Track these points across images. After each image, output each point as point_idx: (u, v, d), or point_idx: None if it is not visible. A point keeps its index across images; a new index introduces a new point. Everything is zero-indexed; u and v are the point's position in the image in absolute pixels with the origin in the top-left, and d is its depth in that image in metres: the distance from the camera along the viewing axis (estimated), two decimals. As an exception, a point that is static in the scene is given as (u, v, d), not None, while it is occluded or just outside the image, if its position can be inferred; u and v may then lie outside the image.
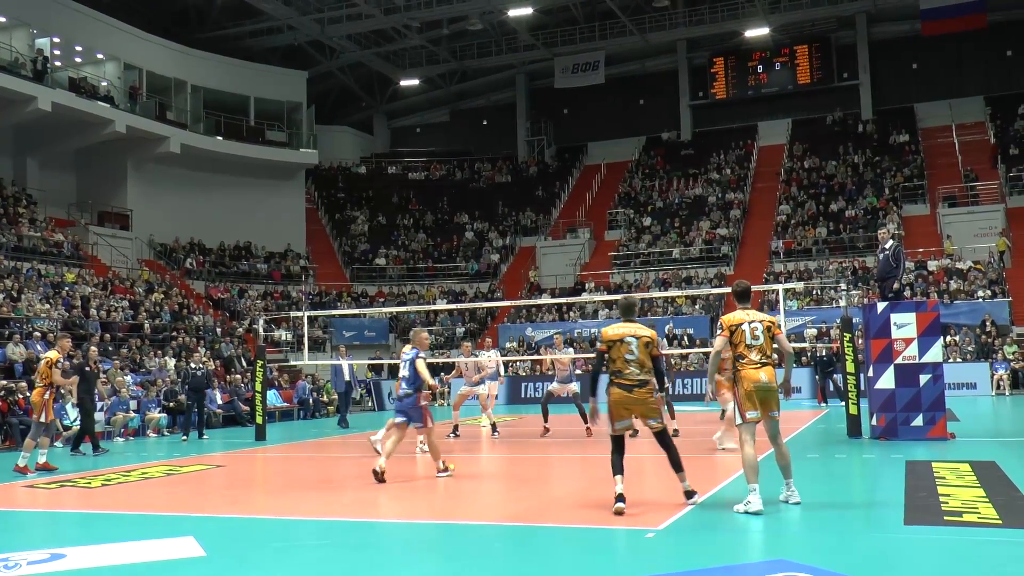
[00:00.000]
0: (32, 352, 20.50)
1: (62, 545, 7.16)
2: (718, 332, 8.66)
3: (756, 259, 36.31)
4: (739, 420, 8.31)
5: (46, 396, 12.99)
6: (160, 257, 34.96)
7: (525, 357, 30.35)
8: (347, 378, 22.43)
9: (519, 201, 44.32)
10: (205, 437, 19.01)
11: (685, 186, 42.07)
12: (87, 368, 15.97)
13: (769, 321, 8.47)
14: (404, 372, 10.98)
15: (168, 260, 35.04)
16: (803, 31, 43.72)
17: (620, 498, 7.95)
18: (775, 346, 8.48)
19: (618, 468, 8.08)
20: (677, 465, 8.29)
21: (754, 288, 31.17)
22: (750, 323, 8.36)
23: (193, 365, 20.41)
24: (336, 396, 24.92)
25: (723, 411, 12.93)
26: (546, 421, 16.62)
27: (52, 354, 13.51)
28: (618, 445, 8.17)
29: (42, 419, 12.95)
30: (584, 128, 47.42)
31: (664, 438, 8.29)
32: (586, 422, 16.25)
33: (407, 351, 11.17)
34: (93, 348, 17.67)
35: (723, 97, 45.19)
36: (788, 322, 28.71)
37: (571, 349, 19.66)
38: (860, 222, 36.06)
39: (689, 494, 8.26)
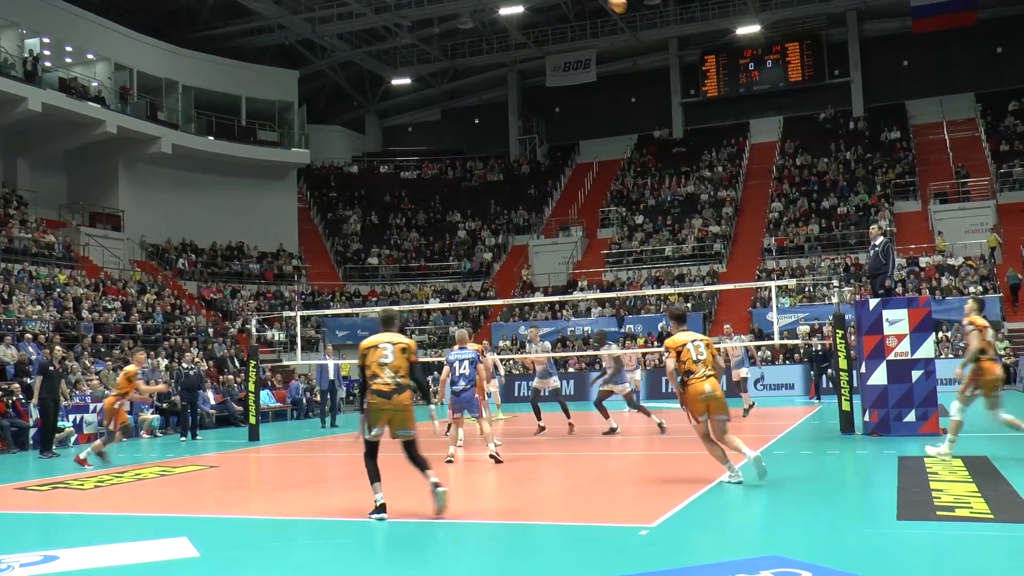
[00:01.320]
0: (24, 354, 20.40)
1: (55, 547, 7.13)
2: (666, 355, 9.43)
3: (748, 256, 36.37)
4: (693, 423, 9.32)
5: (116, 405, 13.66)
6: (152, 258, 34.88)
7: (518, 356, 30.33)
8: (331, 377, 22.43)
9: (511, 200, 44.33)
10: (199, 438, 18.99)
11: (677, 184, 42.11)
12: (51, 368, 15.92)
13: (707, 340, 9.52)
14: (464, 370, 11.96)
15: (160, 261, 34.96)
16: (794, 28, 43.82)
17: (380, 508, 7.90)
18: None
19: (374, 475, 8.02)
20: (423, 467, 8.08)
21: (746, 285, 31.13)
22: (693, 342, 9.32)
23: (185, 365, 20.36)
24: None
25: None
26: (539, 419, 16.60)
27: (131, 368, 14.10)
28: (371, 450, 8.08)
29: (111, 426, 13.66)
30: (576, 126, 47.46)
31: (411, 449, 8.10)
32: (568, 418, 16.29)
33: (460, 351, 12.28)
34: (58, 348, 17.68)
35: (715, 95, 45.27)
36: (780, 319, 28.79)
37: (547, 342, 19.61)
38: (852, 219, 36.15)
39: (435, 484, 7.98)
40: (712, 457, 9.43)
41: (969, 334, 10.76)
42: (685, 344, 9.27)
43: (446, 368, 12.20)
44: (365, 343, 8.28)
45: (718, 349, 9.85)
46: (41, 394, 15.67)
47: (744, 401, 19.09)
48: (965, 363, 10.80)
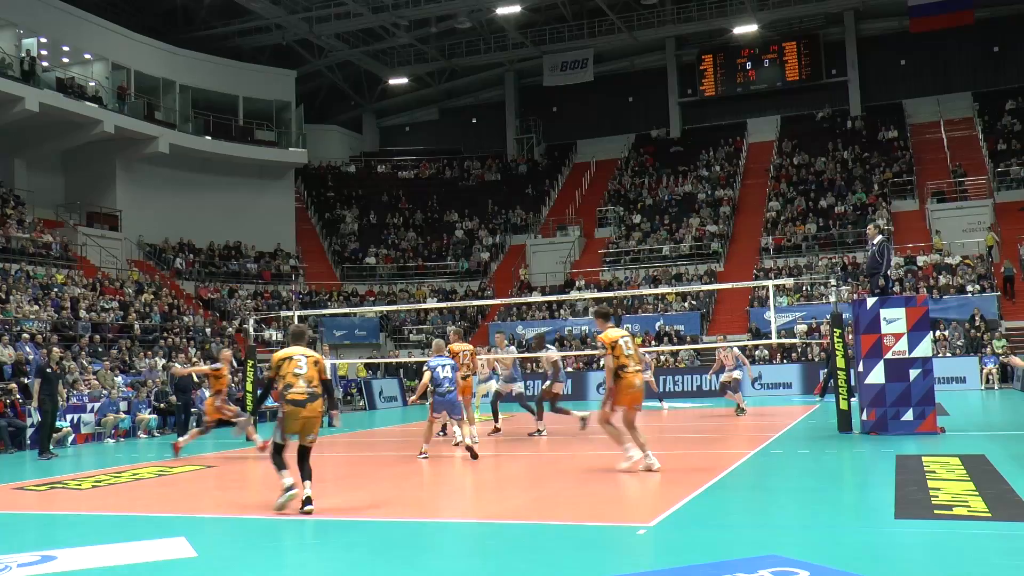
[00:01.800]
0: (21, 354, 20.38)
1: (53, 547, 7.13)
2: (604, 350, 10.23)
3: (746, 255, 36.39)
4: (607, 408, 10.23)
5: (217, 404, 14.46)
6: (149, 257, 34.86)
7: (517, 355, 30.30)
8: (328, 376, 22.30)
9: (509, 199, 44.33)
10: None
11: (675, 183, 42.12)
12: (49, 369, 15.86)
13: (633, 337, 10.47)
14: (447, 373, 12.68)
15: (158, 260, 34.94)
16: (791, 28, 43.86)
17: (290, 488, 8.43)
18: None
19: (282, 465, 8.60)
20: (307, 476, 8.52)
21: (744, 285, 31.17)
22: (623, 339, 10.16)
23: (179, 365, 20.34)
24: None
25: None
26: (496, 421, 16.78)
27: (220, 365, 14.87)
28: (280, 450, 8.67)
29: (208, 421, 14.57)
30: (573, 126, 47.47)
31: (306, 455, 8.60)
32: (539, 420, 16.28)
33: (438, 357, 13.05)
34: (56, 349, 17.61)
35: (712, 94, 45.29)
36: (778, 318, 28.83)
37: (513, 348, 19.66)
38: (849, 218, 36.17)
39: (308, 500, 8.38)
40: (612, 439, 10.41)
41: None
42: (618, 340, 10.10)
43: (427, 373, 12.67)
44: (279, 355, 8.84)
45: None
46: (40, 396, 15.64)
47: (737, 401, 19.69)
48: None
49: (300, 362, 8.70)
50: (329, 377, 9.09)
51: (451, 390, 12.72)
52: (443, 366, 12.84)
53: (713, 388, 28.42)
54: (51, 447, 15.92)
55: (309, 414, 8.58)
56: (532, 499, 9.53)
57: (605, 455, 13.37)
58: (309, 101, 44.39)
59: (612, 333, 10.20)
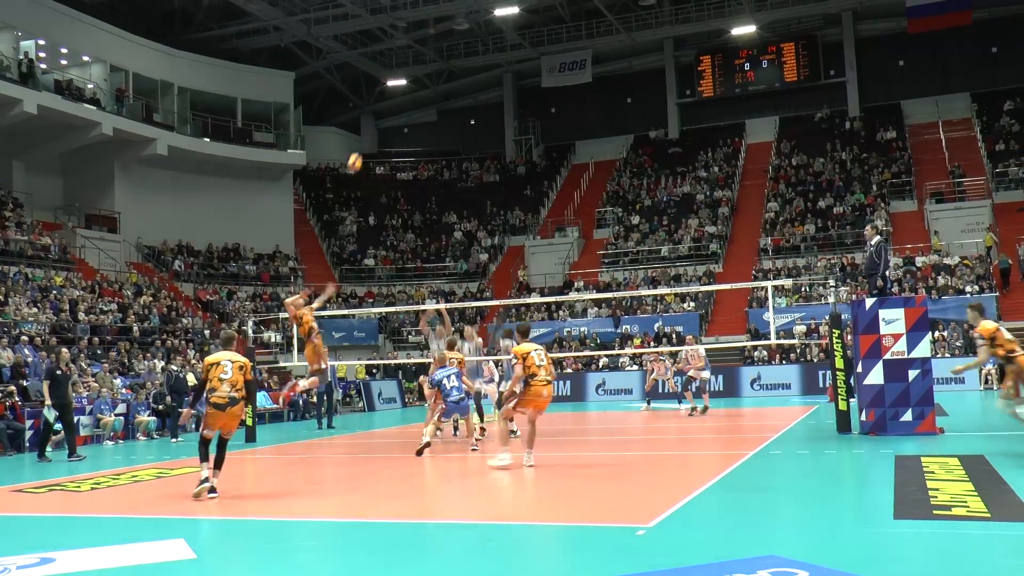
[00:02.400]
0: (20, 356, 20.37)
1: (51, 549, 7.12)
2: (514, 363, 11.24)
3: (745, 256, 36.40)
4: (508, 406, 11.31)
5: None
6: (148, 259, 34.85)
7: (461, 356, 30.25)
8: (328, 379, 22.23)
9: (507, 200, 44.34)
10: (180, 439, 18.76)
11: (673, 184, 42.13)
12: (58, 372, 15.67)
13: (544, 348, 11.41)
14: (455, 383, 13.25)
15: (156, 262, 34.92)
16: (790, 29, 43.87)
17: (205, 481, 9.58)
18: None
19: (205, 456, 9.72)
20: (219, 465, 9.86)
21: (742, 285, 31.13)
22: (535, 351, 11.14)
23: (175, 368, 20.29)
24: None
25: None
26: (482, 421, 16.56)
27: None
28: (206, 441, 9.82)
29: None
30: (572, 127, 47.46)
31: (223, 448, 9.91)
32: (480, 421, 15.98)
33: (441, 369, 13.48)
34: (64, 350, 17.41)
35: (710, 95, 45.29)
36: (777, 319, 28.81)
37: (480, 340, 19.28)
38: (848, 219, 36.19)
39: (212, 489, 9.64)
40: (498, 437, 11.58)
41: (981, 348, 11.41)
42: (530, 352, 11.09)
43: (429, 390, 13.02)
44: (209, 359, 9.92)
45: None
46: (53, 399, 15.42)
47: (704, 402, 20.41)
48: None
49: (226, 367, 9.69)
50: (253, 378, 10.11)
51: (462, 397, 13.22)
52: (448, 377, 13.17)
53: (716, 389, 28.55)
54: (50, 449, 15.87)
55: (228, 417, 9.67)
56: (531, 500, 9.53)
57: (603, 456, 13.39)
58: (307, 103, 44.39)
59: (524, 347, 11.22)
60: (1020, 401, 11.08)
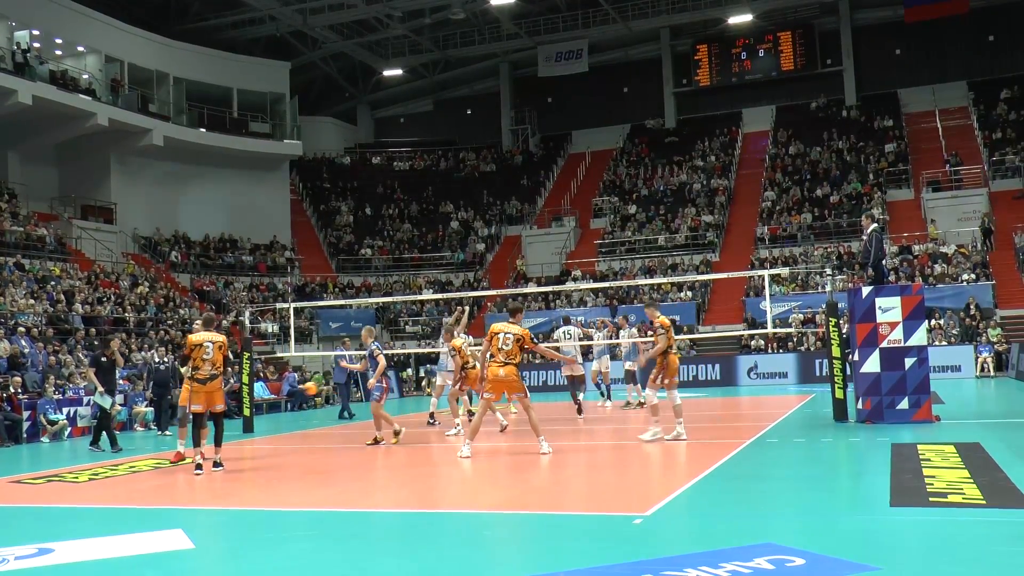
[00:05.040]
0: (16, 347, 20.34)
1: (50, 540, 7.13)
2: (486, 340, 11.69)
3: (741, 245, 36.41)
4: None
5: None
6: (144, 250, 34.80)
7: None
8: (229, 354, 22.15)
9: (504, 190, 44.29)
10: (167, 433, 18.43)
11: (670, 173, 42.11)
12: (104, 359, 15.38)
13: (521, 333, 11.53)
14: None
15: (153, 253, 34.88)
16: (786, 17, 43.80)
17: (198, 468, 10.73)
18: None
19: (197, 441, 10.97)
20: (219, 443, 11.15)
21: (739, 274, 31.09)
22: (504, 334, 11.42)
23: (156, 359, 20.18)
24: (329, 388, 26.35)
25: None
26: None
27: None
28: (196, 420, 11.08)
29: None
30: (568, 117, 47.36)
31: (220, 422, 11.15)
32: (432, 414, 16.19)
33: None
34: (115, 340, 17.11)
35: (707, 84, 45.25)
36: (774, 307, 28.85)
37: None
38: (845, 207, 36.18)
39: (217, 463, 11.02)
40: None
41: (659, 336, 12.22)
42: (499, 334, 11.44)
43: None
44: (193, 339, 10.94)
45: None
46: (102, 385, 15.19)
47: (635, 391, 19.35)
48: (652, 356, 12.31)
49: (208, 348, 10.79)
50: (230, 355, 11.41)
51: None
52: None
53: (713, 378, 28.57)
54: (48, 439, 15.85)
55: (209, 390, 10.86)
56: (528, 489, 9.54)
57: (600, 445, 13.42)
58: (303, 93, 44.26)
59: (496, 326, 11.61)
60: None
